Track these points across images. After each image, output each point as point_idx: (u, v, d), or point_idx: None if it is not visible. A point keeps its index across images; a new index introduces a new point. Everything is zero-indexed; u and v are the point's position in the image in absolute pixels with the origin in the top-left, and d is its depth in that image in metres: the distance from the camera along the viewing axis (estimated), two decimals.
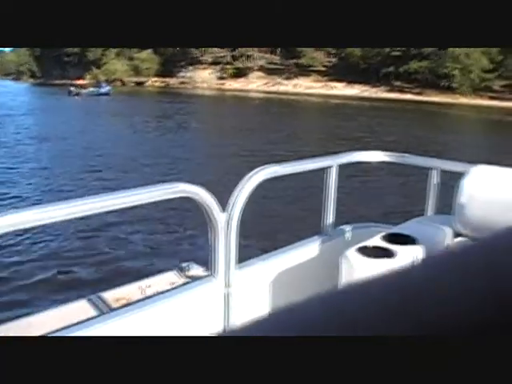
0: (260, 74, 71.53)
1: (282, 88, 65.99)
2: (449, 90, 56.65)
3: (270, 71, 70.61)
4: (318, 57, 67.61)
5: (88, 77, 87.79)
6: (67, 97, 46.06)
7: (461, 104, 49.97)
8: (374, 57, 63.37)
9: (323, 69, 67.91)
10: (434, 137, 21.28)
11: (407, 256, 1.79)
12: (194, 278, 1.78)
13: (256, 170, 1.82)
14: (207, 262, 1.73)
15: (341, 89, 63.02)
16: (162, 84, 75.69)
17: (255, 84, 69.51)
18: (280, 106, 41.41)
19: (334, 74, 66.91)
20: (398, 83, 61.93)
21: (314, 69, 67.67)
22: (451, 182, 2.09)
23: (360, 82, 63.02)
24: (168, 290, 1.67)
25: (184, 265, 1.85)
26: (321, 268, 2.14)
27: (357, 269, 1.71)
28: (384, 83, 62.64)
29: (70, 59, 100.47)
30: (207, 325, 1.72)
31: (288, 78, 68.98)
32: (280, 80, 68.99)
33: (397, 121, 28.26)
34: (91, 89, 51.86)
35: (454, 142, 20.17)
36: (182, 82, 73.45)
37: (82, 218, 1.42)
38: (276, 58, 70.77)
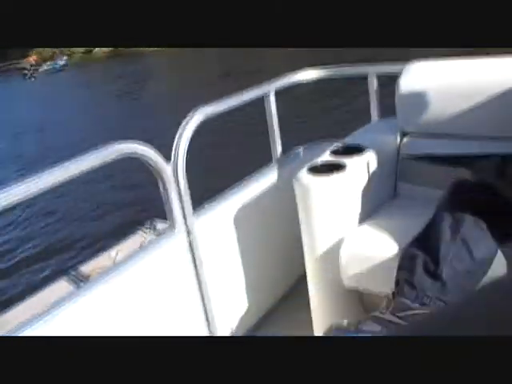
0: None
1: None
2: None
3: None
4: None
5: (32, 55, 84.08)
6: (23, 81, 41.35)
7: None
8: None
9: None
10: None
11: (358, 166, 1.83)
12: (159, 234, 1.80)
13: (191, 114, 1.79)
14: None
15: None
16: (110, 49, 72.47)
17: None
18: (235, 53, 40.12)
19: None
20: None
21: None
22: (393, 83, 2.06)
23: None
24: (135, 253, 1.67)
25: (148, 222, 1.86)
26: (278, 195, 2.16)
27: (310, 188, 1.73)
28: None
29: None
30: (178, 278, 1.72)
31: None
32: None
33: None
34: (46, 66, 45.69)
35: None
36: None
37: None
38: None
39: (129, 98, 19.18)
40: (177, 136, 1.74)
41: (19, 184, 1.25)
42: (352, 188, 1.84)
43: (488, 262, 1.50)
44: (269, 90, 2.18)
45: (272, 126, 2.22)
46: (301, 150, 2.43)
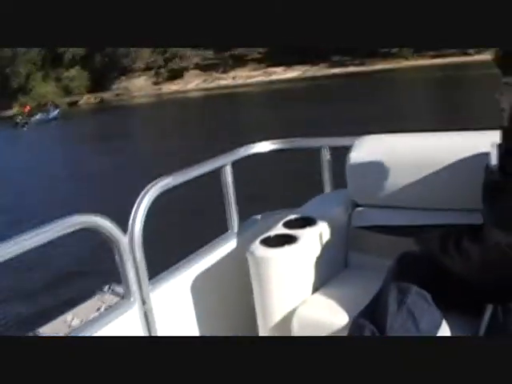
0: (196, 72, 70.27)
1: (222, 82, 64.90)
2: (389, 55, 57.00)
3: (205, 68, 69.49)
4: None
5: (15, 105, 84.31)
6: (15, 129, 40.52)
7: (405, 67, 50.52)
8: None
9: (259, 56, 67.25)
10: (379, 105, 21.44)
11: (310, 238, 1.93)
12: (115, 301, 1.80)
13: (148, 186, 1.84)
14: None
15: (281, 73, 62.61)
16: (97, 100, 73.16)
17: (193, 83, 68.16)
18: (218, 102, 40.50)
19: (270, 59, 66.36)
20: (337, 58, 61.91)
21: (250, 57, 66.91)
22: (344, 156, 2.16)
23: (299, 63, 62.62)
24: (90, 322, 1.67)
25: (106, 286, 1.84)
26: (232, 266, 2.20)
27: (263, 261, 1.81)
28: (323, 60, 62.50)
29: None
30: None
31: (225, 72, 68.03)
32: (218, 75, 67.90)
33: (336, 97, 28.25)
34: (38, 116, 45.36)
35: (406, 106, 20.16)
36: (118, 95, 71.32)
37: None
38: (210, 54, 69.55)
39: (110, 155, 19.35)
40: (134, 208, 1.77)
41: None
42: (304, 259, 1.92)
43: (433, 333, 1.55)
44: (226, 161, 2.25)
45: (228, 196, 2.30)
46: (255, 219, 2.50)
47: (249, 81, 61.92)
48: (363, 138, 2.20)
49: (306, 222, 2.03)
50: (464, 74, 32.99)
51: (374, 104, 22.51)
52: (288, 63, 63.69)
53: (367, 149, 2.14)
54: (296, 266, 1.89)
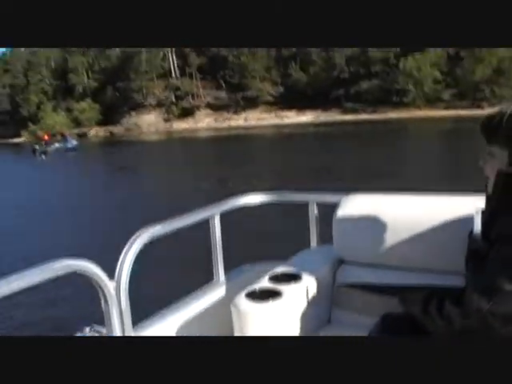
0: (208, 111, 70.67)
1: (232, 123, 65.10)
2: (401, 104, 57.32)
3: (217, 107, 69.88)
4: (264, 88, 67.29)
5: (25, 134, 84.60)
6: (32, 157, 40.57)
7: (417, 117, 50.76)
8: (321, 81, 63.58)
9: (271, 99, 67.72)
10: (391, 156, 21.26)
11: (294, 293, 1.95)
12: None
13: (137, 234, 1.86)
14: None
15: (293, 117, 62.79)
16: (107, 133, 73.34)
17: (204, 122, 68.40)
18: (229, 143, 40.25)
19: (282, 102, 66.84)
20: (349, 104, 62.22)
21: (262, 100, 67.31)
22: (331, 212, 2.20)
23: (311, 108, 62.88)
24: None
25: (87, 328, 1.82)
26: (216, 316, 2.19)
27: (247, 315, 1.84)
28: (335, 106, 62.79)
29: (0, 117, 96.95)
30: None
31: (236, 112, 68.39)
32: (229, 115, 68.19)
33: (349, 145, 28.08)
34: (57, 145, 45.39)
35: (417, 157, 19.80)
36: (128, 129, 71.59)
37: None
38: (222, 94, 70.11)
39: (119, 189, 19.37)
40: (122, 254, 1.79)
41: None
42: (288, 315, 1.93)
43: None
44: (214, 212, 2.27)
45: (215, 247, 2.31)
46: (241, 270, 2.50)
47: (260, 123, 62.00)
48: (350, 196, 2.24)
49: (292, 277, 2.05)
50: (476, 127, 33.02)
51: (382, 153, 22.43)
52: (300, 107, 63.93)
53: (354, 206, 2.17)
54: (279, 321, 1.91)
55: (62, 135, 49.84)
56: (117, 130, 73.34)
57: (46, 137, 49.18)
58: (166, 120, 71.75)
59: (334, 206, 2.24)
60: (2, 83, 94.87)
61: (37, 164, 36.66)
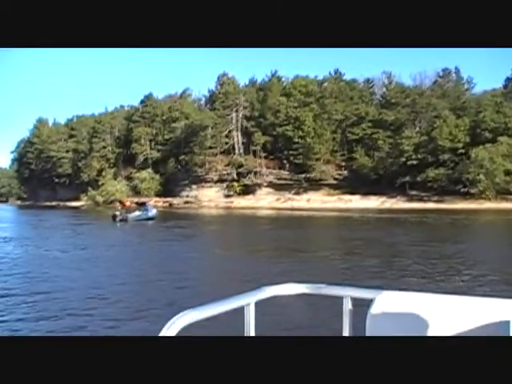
0: (268, 190, 70.99)
1: (295, 204, 64.75)
2: (468, 194, 56.11)
3: (278, 187, 70.11)
4: (327, 170, 67.21)
5: (84, 198, 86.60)
6: (111, 222, 40.64)
7: (486, 209, 49.51)
8: (386, 167, 63.11)
9: (334, 182, 67.41)
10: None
11: None
12: None
13: (174, 319, 1.92)
14: None
15: (357, 201, 62.00)
16: (165, 204, 74.07)
17: (266, 200, 68.43)
18: (290, 224, 39.48)
19: (344, 186, 66.54)
20: (413, 192, 61.22)
21: (324, 182, 67.07)
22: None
23: (374, 194, 62.10)
24: None
25: None
26: None
27: None
28: (400, 193, 61.89)
29: (61, 180, 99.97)
30: None
31: (297, 193, 68.32)
32: (290, 195, 68.09)
33: (417, 237, 26.71)
34: (138, 212, 44.20)
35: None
36: (187, 202, 72.31)
37: None
38: (285, 174, 70.53)
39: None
40: None
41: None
42: None
43: None
44: (250, 300, 2.35)
45: (249, 335, 2.40)
46: None
47: (323, 205, 61.35)
48: (385, 293, 2.31)
49: None
50: None
51: (449, 248, 21.17)
52: (363, 192, 63.25)
53: (389, 304, 2.23)
54: None
55: (143, 204, 49.40)
56: (176, 201, 74.08)
57: (127, 203, 49.24)
58: (227, 196, 72.27)
59: (368, 303, 2.28)
60: (66, 147, 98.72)
61: (117, 230, 36.57)
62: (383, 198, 61.85)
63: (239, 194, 71.38)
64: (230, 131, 74.59)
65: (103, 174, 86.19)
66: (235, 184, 72.01)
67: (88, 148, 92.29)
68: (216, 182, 74.24)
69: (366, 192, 63.07)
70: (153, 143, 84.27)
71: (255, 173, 71.34)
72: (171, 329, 1.90)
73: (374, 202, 60.84)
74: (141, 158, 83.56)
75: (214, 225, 40.33)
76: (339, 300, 2.57)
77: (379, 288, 2.42)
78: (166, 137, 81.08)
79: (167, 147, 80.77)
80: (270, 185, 70.94)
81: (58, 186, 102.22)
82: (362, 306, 2.49)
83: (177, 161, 77.70)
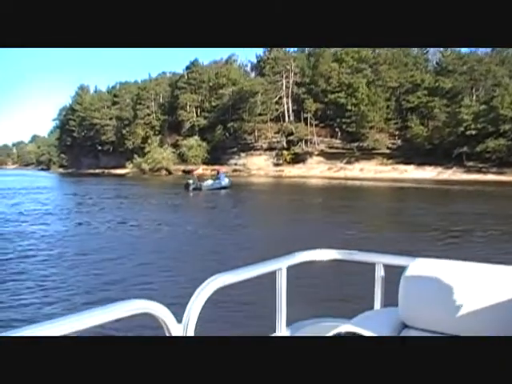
0: (319, 158, 70.18)
1: (348, 173, 63.84)
2: None
3: (329, 156, 69.27)
4: (381, 139, 65.94)
5: (130, 166, 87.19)
6: (183, 191, 39.67)
7: None
8: (442, 137, 61.52)
9: (387, 151, 66.15)
10: None
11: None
12: None
13: (207, 282, 1.98)
14: None
15: (412, 172, 60.71)
16: (213, 172, 73.94)
17: (317, 169, 67.71)
18: (346, 195, 38.52)
19: (397, 156, 65.22)
20: (470, 163, 59.64)
21: (377, 152, 65.87)
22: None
23: (429, 164, 60.75)
24: None
25: None
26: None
27: None
28: (456, 164, 60.39)
29: (104, 148, 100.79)
30: None
31: (349, 163, 67.42)
32: (342, 165, 67.22)
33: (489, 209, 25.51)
34: (210, 181, 43.28)
35: None
36: (235, 170, 71.94)
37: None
38: (336, 142, 69.41)
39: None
40: (191, 300, 1.92)
41: (24, 329, 1.34)
42: None
43: None
44: (282, 265, 2.41)
45: (279, 299, 2.43)
46: (302, 325, 2.57)
47: (378, 175, 60.36)
48: (418, 260, 2.29)
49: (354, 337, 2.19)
50: None
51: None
52: (418, 162, 61.94)
53: (422, 271, 2.21)
54: None
55: (217, 172, 48.06)
56: (224, 169, 73.81)
57: (199, 172, 48.56)
58: (276, 164, 71.71)
59: (400, 270, 2.28)
60: (109, 115, 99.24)
61: (190, 199, 35.97)
62: (439, 169, 60.53)
63: (289, 163, 70.72)
64: (280, 98, 73.62)
65: (149, 141, 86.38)
66: (285, 152, 71.27)
67: (132, 115, 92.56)
68: (265, 150, 73.64)
69: (420, 162, 61.76)
70: (199, 110, 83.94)
71: (306, 141, 70.47)
72: (205, 290, 1.97)
73: (430, 173, 59.62)
74: (187, 125, 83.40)
75: (288, 194, 39.34)
76: (371, 267, 2.61)
77: (412, 255, 2.42)
78: (213, 103, 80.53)
79: (214, 114, 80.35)
80: (321, 154, 70.04)
81: (101, 153, 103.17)
82: (394, 273, 2.50)
83: (225, 128, 77.26)
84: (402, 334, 2.24)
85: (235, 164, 75.11)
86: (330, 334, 2.08)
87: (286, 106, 74.18)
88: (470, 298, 2.05)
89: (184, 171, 75.69)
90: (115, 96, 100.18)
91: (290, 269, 2.45)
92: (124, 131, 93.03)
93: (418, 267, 2.25)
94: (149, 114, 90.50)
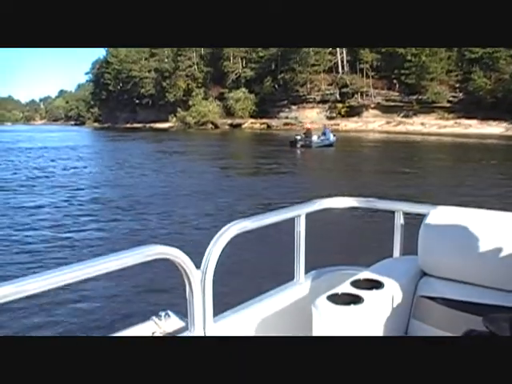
0: (374, 112, 68.18)
1: (409, 127, 61.90)
2: None
3: (384, 109, 67.40)
4: (442, 92, 63.60)
5: (173, 120, 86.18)
6: (289, 149, 35.49)
7: None
8: (507, 91, 59.02)
9: (447, 105, 63.86)
10: None
11: (375, 300, 2.05)
12: (171, 328, 1.98)
13: (227, 227, 2.01)
14: (185, 312, 1.96)
15: (477, 127, 58.51)
16: (262, 126, 72.61)
17: (375, 123, 65.85)
18: (412, 151, 37.08)
19: (458, 110, 62.88)
20: None
21: (437, 105, 63.64)
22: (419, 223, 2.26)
23: (493, 119, 58.47)
24: (148, 340, 1.81)
25: (162, 313, 2.01)
26: (295, 315, 2.35)
27: (327, 317, 1.95)
28: None
29: (143, 101, 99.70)
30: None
31: (406, 116, 65.43)
32: (400, 118, 65.21)
33: None
34: (316, 138, 37.86)
35: None
36: (286, 124, 70.41)
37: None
38: (394, 95, 67.22)
39: None
40: (210, 246, 1.96)
41: (55, 271, 1.44)
42: (367, 321, 2.02)
43: None
44: (300, 212, 2.44)
45: (299, 246, 2.48)
46: (321, 273, 2.63)
47: (442, 130, 58.38)
48: (439, 208, 2.30)
49: (374, 284, 2.13)
50: None
51: None
52: (482, 117, 59.68)
53: (442, 219, 2.22)
54: (358, 327, 1.98)
55: (324, 127, 42.15)
56: (274, 123, 72.47)
57: (307, 127, 41.78)
58: (330, 118, 69.97)
59: (420, 218, 2.29)
60: (148, 67, 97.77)
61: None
62: (504, 124, 58.23)
63: (343, 116, 69.01)
64: (333, 47, 71.29)
65: (193, 94, 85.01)
66: (339, 105, 69.49)
67: (172, 67, 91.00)
68: (318, 102, 71.99)
69: (483, 117, 59.50)
70: (244, 61, 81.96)
71: (361, 93, 68.45)
72: (224, 236, 1.99)
73: (497, 128, 57.39)
74: (232, 77, 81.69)
75: (395, 151, 36.14)
76: (391, 214, 2.60)
77: (432, 204, 2.41)
78: (261, 54, 78.49)
79: (262, 65, 78.40)
80: (377, 107, 68.12)
81: (139, 107, 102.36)
82: (414, 222, 2.50)
83: (273, 80, 75.37)
84: (421, 282, 2.26)
85: (286, 117, 73.68)
86: (349, 281, 2.15)
87: (339, 57, 71.86)
88: (489, 246, 2.03)
89: (231, 125, 74.44)
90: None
91: (308, 216, 2.45)
92: (164, 84, 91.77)
93: (438, 215, 2.24)
94: (190, 66, 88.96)
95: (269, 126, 71.63)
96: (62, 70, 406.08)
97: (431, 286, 2.21)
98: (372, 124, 65.94)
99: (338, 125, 66.85)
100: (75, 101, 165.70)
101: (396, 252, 2.62)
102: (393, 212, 2.58)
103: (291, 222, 2.40)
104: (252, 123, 74.55)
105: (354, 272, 2.32)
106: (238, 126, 73.83)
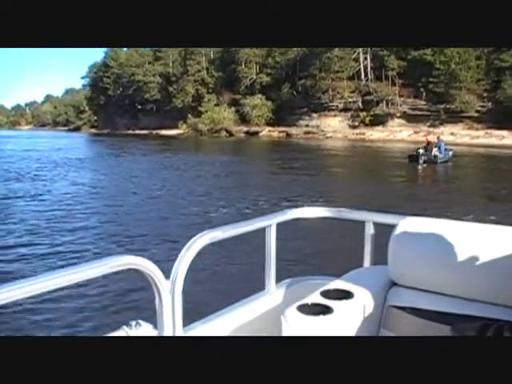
0: (400, 121, 67.39)
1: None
2: None
3: (410, 118, 66.63)
4: (471, 101, 63.07)
5: (183, 126, 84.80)
6: (412, 164, 31.37)
7: None
8: None
9: (475, 114, 63.29)
10: None
11: (345, 311, 2.09)
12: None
13: (196, 237, 2.05)
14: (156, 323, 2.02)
15: (509, 138, 57.87)
16: (281, 134, 71.45)
17: (404, 133, 65.08)
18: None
19: (487, 120, 62.29)
20: None
21: (465, 115, 63.05)
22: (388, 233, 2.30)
23: None
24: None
25: (133, 323, 2.02)
26: (265, 325, 2.39)
27: (296, 327, 1.98)
28: None
29: (147, 107, 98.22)
30: None
31: (433, 126, 64.63)
32: (425, 128, 64.51)
33: None
34: (436, 152, 33.11)
35: None
36: (307, 132, 69.35)
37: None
38: (421, 103, 66.53)
39: None
40: (179, 256, 1.98)
41: (16, 284, 1.41)
42: (337, 331, 2.05)
43: None
44: (271, 223, 2.48)
45: (270, 255, 2.51)
46: (291, 283, 2.67)
47: (474, 141, 57.68)
48: (408, 219, 2.34)
49: (344, 294, 2.18)
50: None
51: None
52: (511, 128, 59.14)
53: (412, 230, 2.27)
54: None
55: (438, 139, 36.70)
56: (294, 131, 71.36)
57: (427, 139, 36.88)
58: (353, 126, 69.09)
59: (390, 228, 2.34)
60: (153, 71, 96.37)
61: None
62: None
63: (366, 125, 68.18)
64: (357, 53, 70.59)
65: (205, 99, 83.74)
66: (363, 114, 68.70)
67: (180, 71, 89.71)
68: (340, 110, 71.05)
69: None
70: (258, 66, 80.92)
71: (387, 101, 67.71)
72: (193, 247, 2.00)
73: None
74: (246, 83, 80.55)
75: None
76: (361, 225, 2.65)
77: (402, 214, 2.46)
78: (277, 59, 77.57)
79: (279, 71, 77.45)
80: (403, 116, 67.40)
81: (141, 113, 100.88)
82: (385, 231, 2.47)
83: (292, 86, 74.37)
84: (391, 292, 2.30)
85: (306, 125, 72.87)
86: (319, 290, 2.18)
87: (363, 63, 71.17)
88: (458, 257, 2.08)
89: (247, 132, 73.13)
90: (157, 51, 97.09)
91: (278, 226, 2.49)
92: (171, 89, 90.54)
93: (408, 225, 2.28)
94: (199, 71, 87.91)
95: (288, 135, 70.60)
96: (49, 74, 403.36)
97: (401, 296, 2.26)
98: (400, 134, 65.23)
99: (364, 134, 66.16)
100: (64, 106, 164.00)
101: (366, 262, 2.70)
102: (363, 222, 2.65)
103: (263, 231, 2.45)
104: (270, 131, 73.46)
105: (324, 282, 2.38)
106: (255, 133, 72.69)
